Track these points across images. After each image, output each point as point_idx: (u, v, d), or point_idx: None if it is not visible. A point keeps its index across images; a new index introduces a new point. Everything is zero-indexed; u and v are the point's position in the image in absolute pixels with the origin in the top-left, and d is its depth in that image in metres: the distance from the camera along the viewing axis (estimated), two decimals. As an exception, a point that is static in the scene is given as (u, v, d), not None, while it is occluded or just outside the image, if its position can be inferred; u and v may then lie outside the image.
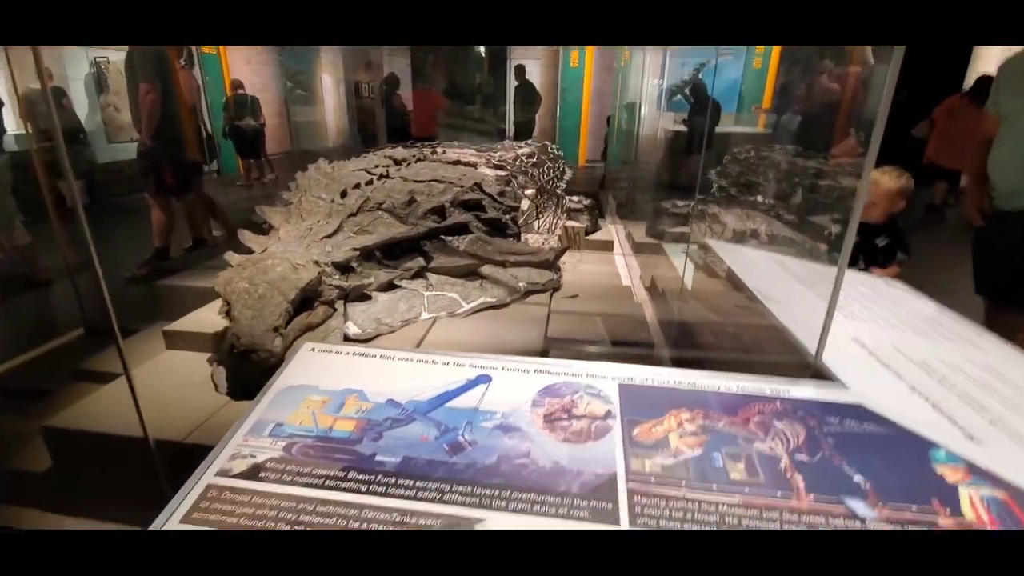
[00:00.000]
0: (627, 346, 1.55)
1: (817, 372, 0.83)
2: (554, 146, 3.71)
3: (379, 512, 0.60)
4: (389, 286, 1.81)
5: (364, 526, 0.58)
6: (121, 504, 1.19)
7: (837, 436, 0.69)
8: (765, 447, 0.68)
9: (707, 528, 0.58)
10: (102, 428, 1.22)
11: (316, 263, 1.56)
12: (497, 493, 0.62)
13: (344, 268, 1.68)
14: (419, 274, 1.91)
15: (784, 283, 1.26)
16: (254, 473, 0.65)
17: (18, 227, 3.59)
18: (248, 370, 1.31)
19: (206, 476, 0.65)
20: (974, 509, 0.59)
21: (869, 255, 1.96)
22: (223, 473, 0.65)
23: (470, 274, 1.99)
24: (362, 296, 1.71)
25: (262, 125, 7.30)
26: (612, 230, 3.36)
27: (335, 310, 1.58)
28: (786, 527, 0.58)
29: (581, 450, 0.68)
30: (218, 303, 1.80)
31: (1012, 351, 1.09)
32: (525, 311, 1.88)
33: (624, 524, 0.58)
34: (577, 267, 2.56)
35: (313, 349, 0.89)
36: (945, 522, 0.57)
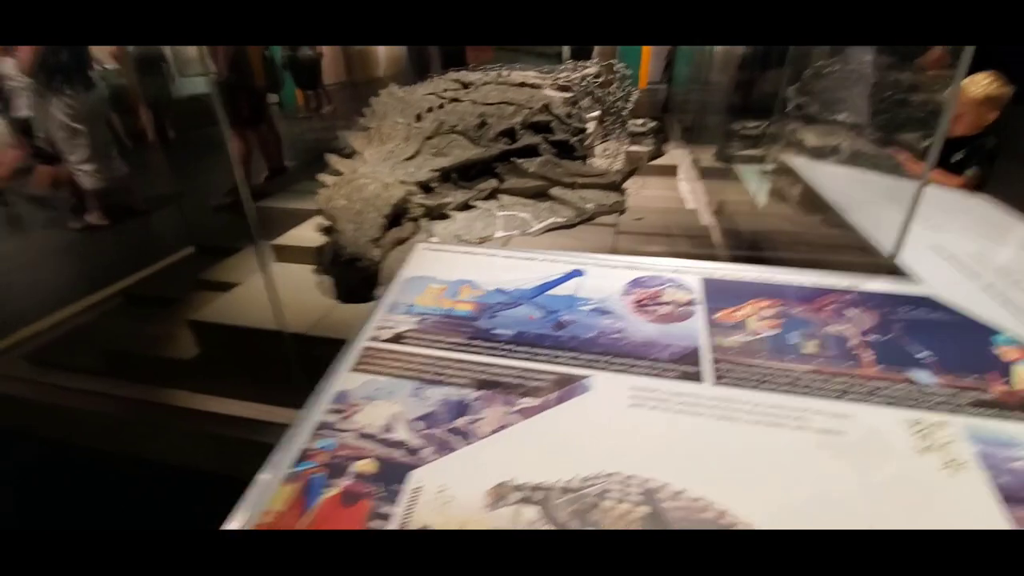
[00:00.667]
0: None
1: (893, 271, 0.89)
2: (621, 64, 3.58)
3: (502, 370, 0.74)
4: (465, 206, 1.92)
5: (492, 379, 0.73)
6: (263, 382, 1.42)
7: (906, 322, 0.76)
8: (837, 329, 0.77)
9: (781, 392, 0.68)
10: (239, 322, 1.45)
11: (402, 183, 1.69)
12: (599, 358, 0.74)
13: (426, 188, 1.81)
14: (492, 195, 2.01)
15: (865, 196, 1.27)
16: (397, 339, 0.81)
17: (115, 158, 3.92)
18: (352, 276, 1.49)
19: (360, 341, 0.81)
20: (1028, 381, 0.66)
21: (948, 170, 1.88)
22: (374, 339, 0.81)
23: (539, 195, 2.07)
24: (442, 215, 1.84)
25: (319, 55, 7.32)
26: (676, 155, 3.29)
27: (420, 227, 1.73)
28: (853, 390, 0.67)
29: (668, 329, 0.79)
30: (311, 222, 1.99)
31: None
32: (592, 231, 1.96)
33: (708, 383, 0.69)
34: (640, 192, 2.58)
35: (426, 249, 1.03)
36: (997, 388, 0.65)
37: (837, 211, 1.18)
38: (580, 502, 0.56)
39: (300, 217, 2.07)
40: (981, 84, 1.79)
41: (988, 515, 0.52)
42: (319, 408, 0.71)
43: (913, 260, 0.92)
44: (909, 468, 0.58)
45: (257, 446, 1.38)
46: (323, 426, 0.68)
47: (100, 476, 1.52)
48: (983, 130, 1.85)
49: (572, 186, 2.11)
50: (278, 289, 1.65)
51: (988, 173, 1.89)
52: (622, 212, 2.16)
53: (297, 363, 1.38)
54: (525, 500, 0.57)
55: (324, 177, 1.83)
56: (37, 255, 3.55)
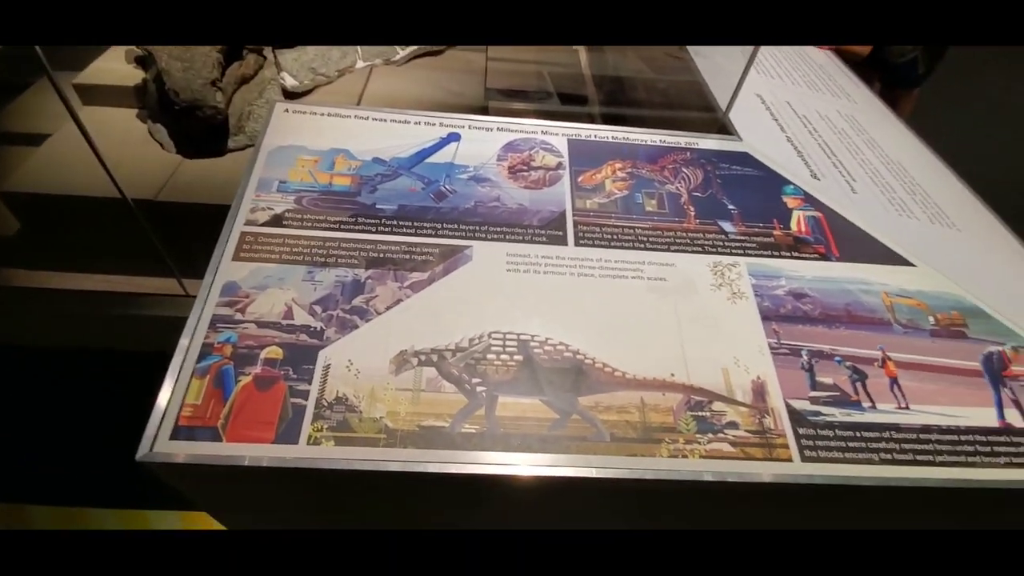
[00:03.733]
0: (564, 101, 1.64)
1: (722, 127, 1.03)
2: None
3: (391, 246, 0.79)
4: (315, 29, 1.66)
5: (381, 256, 0.78)
6: (114, 258, 1.31)
7: (724, 178, 0.93)
8: (673, 188, 0.91)
9: (625, 248, 0.83)
10: (67, 189, 1.24)
11: (231, 1, 1.40)
12: (478, 228, 0.82)
13: (262, 7, 1.51)
14: (345, 14, 1.74)
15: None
16: (277, 221, 0.80)
17: None
18: (193, 127, 1.31)
19: (236, 227, 0.79)
20: (798, 224, 0.88)
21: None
22: (251, 223, 0.79)
23: (401, 14, 1.84)
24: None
25: None
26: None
27: (265, 58, 1.49)
28: (677, 242, 0.84)
29: (539, 194, 0.87)
30: (115, 51, 1.60)
31: (876, 103, 1.34)
32: (461, 59, 1.84)
33: (570, 244, 0.82)
34: (511, 3, 2.37)
35: (287, 110, 0.94)
36: (776, 234, 0.86)
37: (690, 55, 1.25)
38: (469, 359, 0.69)
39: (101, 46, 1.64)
40: None
41: (753, 330, 0.75)
42: (210, 302, 0.72)
43: (738, 111, 1.06)
44: (707, 301, 0.78)
45: (132, 319, 1.33)
46: (220, 319, 0.70)
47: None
48: None
49: None
50: (101, 143, 1.39)
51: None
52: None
53: (157, 233, 1.26)
54: (423, 363, 0.69)
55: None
56: None
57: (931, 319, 0.79)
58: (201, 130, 1.34)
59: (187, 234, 1.23)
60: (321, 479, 0.62)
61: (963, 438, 0.68)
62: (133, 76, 1.49)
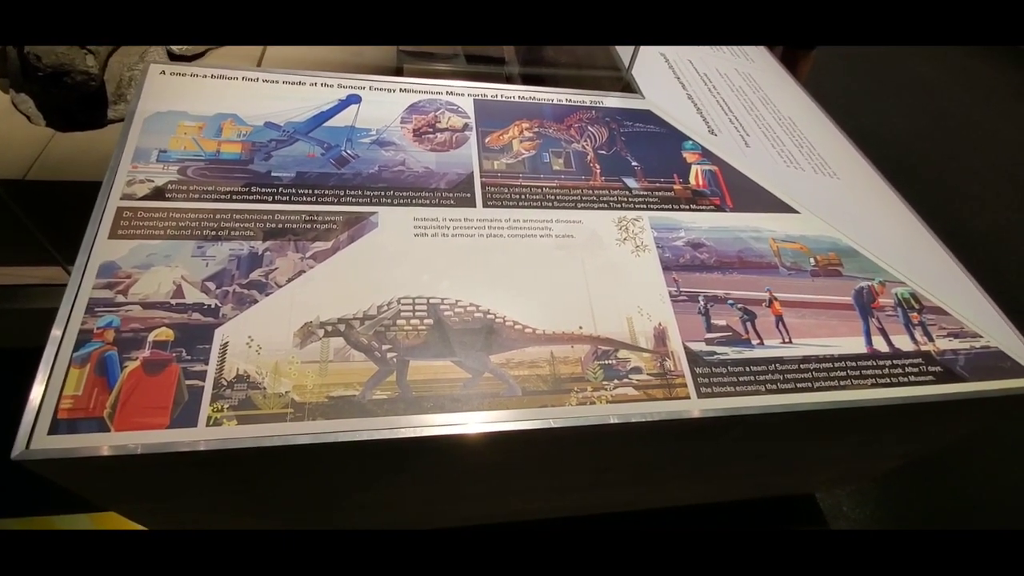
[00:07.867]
0: (475, 61, 1.60)
1: (627, 85, 1.05)
2: None
3: (290, 215, 0.75)
4: (201, -15, 1.52)
5: (279, 227, 0.74)
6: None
7: (628, 135, 0.95)
8: (579, 146, 0.92)
9: (534, 208, 0.83)
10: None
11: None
12: (383, 193, 0.80)
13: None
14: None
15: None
16: (159, 195, 0.74)
17: None
18: (64, 96, 1.17)
19: (111, 202, 0.72)
20: (696, 178, 0.92)
21: None
22: (128, 197, 0.73)
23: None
24: None
25: None
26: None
27: (143, 18, 1.35)
28: (584, 200, 0.86)
29: (445, 157, 0.86)
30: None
31: (773, 63, 1.41)
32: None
33: (479, 206, 0.81)
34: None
35: (163, 72, 0.85)
36: (677, 188, 0.90)
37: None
38: (378, 326, 0.68)
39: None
40: None
41: (655, 280, 0.79)
42: (86, 285, 0.66)
43: (643, 70, 1.08)
44: (613, 255, 0.81)
45: (10, 313, 1.20)
46: (98, 303, 0.65)
47: None
48: None
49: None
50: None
51: None
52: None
53: (30, 216, 1.13)
54: (330, 334, 0.67)
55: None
56: None
57: (812, 260, 0.86)
58: (73, 99, 1.20)
59: (66, 216, 1.12)
60: (227, 460, 0.60)
61: (836, 365, 0.76)
62: (-17, 38, 1.31)
